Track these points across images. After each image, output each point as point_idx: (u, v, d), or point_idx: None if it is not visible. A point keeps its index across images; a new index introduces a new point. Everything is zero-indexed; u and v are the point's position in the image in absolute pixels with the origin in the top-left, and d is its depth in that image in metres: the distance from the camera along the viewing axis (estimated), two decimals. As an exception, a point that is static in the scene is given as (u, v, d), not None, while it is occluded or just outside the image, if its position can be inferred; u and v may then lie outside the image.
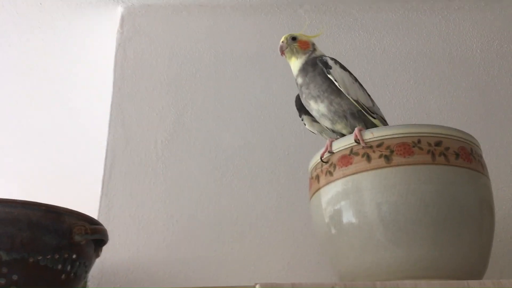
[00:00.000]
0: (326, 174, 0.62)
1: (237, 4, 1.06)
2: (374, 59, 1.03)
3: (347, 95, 0.65)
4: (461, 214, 0.56)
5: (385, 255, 0.55)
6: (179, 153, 0.94)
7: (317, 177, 0.64)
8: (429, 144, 0.57)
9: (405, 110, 0.98)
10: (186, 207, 0.89)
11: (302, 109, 0.73)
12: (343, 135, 0.66)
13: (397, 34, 1.05)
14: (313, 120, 0.72)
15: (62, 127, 1.00)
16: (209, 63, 1.02)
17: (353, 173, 0.59)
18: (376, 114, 0.66)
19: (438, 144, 0.58)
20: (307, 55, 0.70)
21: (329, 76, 0.66)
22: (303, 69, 0.68)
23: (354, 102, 0.65)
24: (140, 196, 0.90)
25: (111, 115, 0.96)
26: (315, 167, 0.65)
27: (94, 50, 1.06)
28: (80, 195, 0.88)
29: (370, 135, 0.59)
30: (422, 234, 0.55)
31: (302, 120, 0.74)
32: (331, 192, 0.61)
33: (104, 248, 0.85)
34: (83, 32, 1.07)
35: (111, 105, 0.97)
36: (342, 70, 0.67)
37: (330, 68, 0.66)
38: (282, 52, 0.71)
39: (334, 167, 0.61)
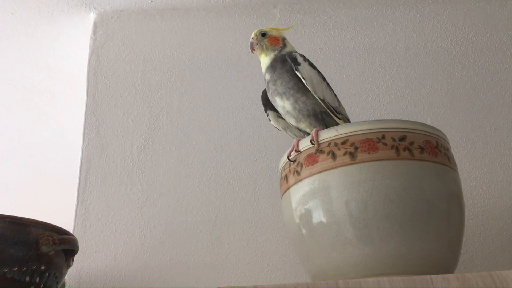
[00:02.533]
0: (294, 174, 0.62)
1: (211, 6, 1.06)
2: (349, 56, 1.03)
3: (313, 94, 0.64)
4: (428, 208, 0.55)
5: (353, 253, 0.55)
6: (155, 158, 0.93)
7: (286, 177, 0.63)
8: (393, 139, 0.57)
9: (381, 106, 0.98)
10: (163, 213, 0.89)
11: (267, 105, 0.72)
12: (307, 133, 0.66)
13: (372, 30, 1.05)
14: (279, 116, 0.72)
15: (35, 135, 0.99)
16: (184, 66, 1.01)
17: (319, 172, 0.58)
18: (341, 114, 0.66)
19: (402, 139, 0.57)
20: (277, 51, 0.69)
21: (297, 73, 0.65)
22: (271, 66, 0.68)
23: (320, 102, 0.64)
24: (117, 203, 0.89)
25: (85, 122, 0.95)
26: (284, 167, 0.64)
27: (67, 57, 1.05)
28: (55, 204, 0.87)
29: (335, 132, 0.59)
30: (389, 230, 0.54)
31: (267, 115, 0.73)
32: (299, 192, 0.60)
33: (81, 256, 0.85)
34: (56, 40, 1.06)
35: (85, 112, 0.96)
36: (310, 68, 0.67)
37: (299, 65, 0.65)
38: (253, 49, 0.70)
39: (301, 166, 0.60)
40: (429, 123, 0.61)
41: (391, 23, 1.05)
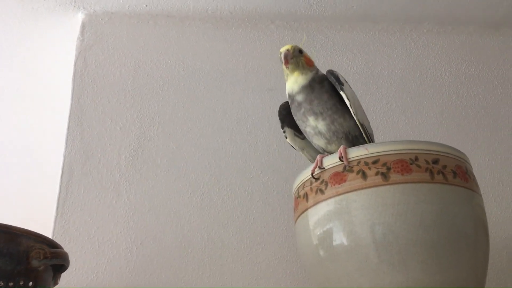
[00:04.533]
0: (316, 192, 0.58)
1: (207, 16, 1.02)
2: (346, 78, 1.01)
3: (354, 117, 0.61)
4: (460, 235, 0.53)
5: (384, 280, 0.52)
6: (145, 170, 0.87)
7: (305, 195, 0.60)
8: (427, 162, 0.55)
9: (378, 130, 0.97)
10: (151, 229, 0.82)
11: (285, 121, 0.69)
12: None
13: (369, 54, 1.04)
14: (296, 134, 0.68)
15: (14, 139, 0.91)
16: (178, 75, 0.97)
17: (348, 191, 0.55)
18: (373, 142, 0.63)
19: (435, 162, 0.55)
20: (314, 72, 0.65)
21: (341, 93, 0.61)
22: (310, 85, 0.63)
23: (359, 125, 0.62)
24: (101, 217, 0.82)
25: (68, 127, 0.88)
26: (303, 185, 0.61)
27: (52, 58, 0.98)
28: (32, 215, 0.79)
29: (365, 151, 0.56)
30: (423, 257, 0.51)
31: (284, 132, 0.69)
32: (321, 212, 0.57)
33: (59, 274, 0.77)
34: (39, 40, 0.98)
35: (69, 117, 0.89)
36: (352, 90, 0.64)
37: (342, 84, 0.62)
38: (287, 62, 0.64)
39: (326, 184, 0.57)
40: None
41: (388, 48, 1.05)
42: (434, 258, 0.51)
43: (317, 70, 0.66)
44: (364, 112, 0.65)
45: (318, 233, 0.57)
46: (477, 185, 0.59)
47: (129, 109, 0.92)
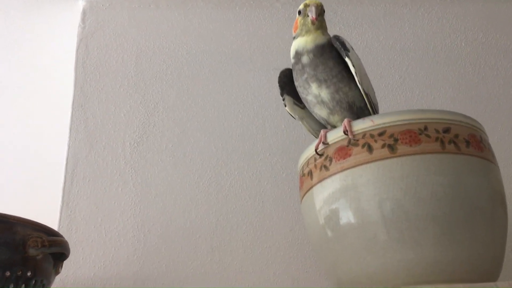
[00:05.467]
0: (320, 169, 0.55)
1: (210, -3, 0.99)
2: (357, 52, 0.97)
3: (359, 85, 0.58)
4: (475, 208, 0.49)
5: (394, 258, 0.48)
6: (150, 156, 0.85)
7: (310, 173, 0.57)
8: (437, 131, 0.51)
9: (391, 105, 0.93)
10: (158, 215, 0.81)
11: (285, 88, 0.65)
12: (333, 127, 0.59)
13: (379, 28, 1.00)
14: (295, 103, 0.65)
15: (17, 129, 0.90)
16: (181, 59, 0.94)
17: (353, 166, 0.52)
18: (378, 113, 0.60)
19: (446, 131, 0.51)
20: (328, 36, 0.61)
21: (346, 59, 0.58)
22: (322, 48, 0.59)
23: (364, 95, 0.58)
24: (107, 205, 0.81)
25: (72, 116, 0.87)
26: (307, 163, 0.58)
27: (53, 46, 0.97)
28: (38, 204, 0.78)
29: (370, 123, 0.53)
30: (435, 233, 0.48)
31: (284, 100, 0.66)
32: (327, 189, 0.54)
33: (66, 264, 0.75)
34: (41, 28, 0.97)
35: (73, 105, 0.87)
36: (358, 57, 0.60)
37: (348, 51, 0.58)
38: (316, 17, 0.60)
39: (330, 160, 0.54)
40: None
41: (399, 21, 1.00)
42: (447, 234, 0.48)
43: (328, 35, 0.62)
44: (369, 81, 0.62)
45: (324, 211, 0.54)
46: (493, 155, 0.55)
47: (132, 95, 0.90)
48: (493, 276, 0.52)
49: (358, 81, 0.57)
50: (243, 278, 0.77)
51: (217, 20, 0.98)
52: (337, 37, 0.60)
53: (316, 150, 0.56)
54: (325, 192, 0.54)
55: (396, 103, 0.93)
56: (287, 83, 0.65)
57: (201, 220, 0.81)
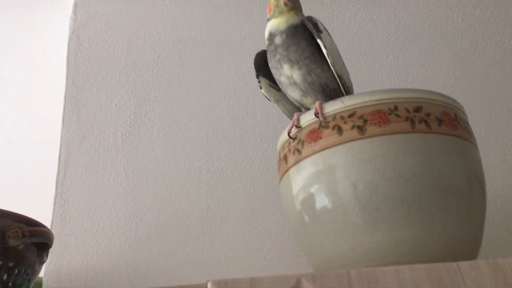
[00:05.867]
0: (294, 153, 0.55)
1: (200, -16, 0.99)
2: (349, 35, 0.96)
3: (332, 67, 0.57)
4: (448, 188, 0.48)
5: (363, 240, 0.48)
6: (142, 145, 0.86)
7: (285, 157, 0.56)
8: (407, 111, 0.50)
9: (385, 87, 0.91)
10: (150, 204, 0.81)
11: (261, 70, 0.65)
12: (306, 109, 0.59)
13: (373, 7, 0.98)
14: (271, 85, 0.64)
15: (10, 122, 0.91)
16: (172, 47, 0.94)
17: (323, 149, 0.51)
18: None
19: (417, 110, 0.50)
20: (302, 17, 0.61)
21: (318, 41, 0.57)
22: (295, 28, 0.59)
23: (337, 77, 0.57)
24: (99, 195, 0.82)
25: (65, 108, 0.88)
26: (283, 147, 0.57)
27: (45, 39, 0.98)
28: (31, 196, 0.80)
29: (341, 104, 0.52)
30: (404, 213, 0.47)
31: (259, 82, 0.66)
32: (301, 173, 0.53)
33: (60, 253, 0.77)
34: (32, 21, 0.98)
35: (65, 97, 0.88)
36: (331, 39, 0.60)
37: (321, 32, 0.58)
38: (288, 0, 0.60)
39: (303, 144, 0.53)
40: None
41: (393, -1, 0.98)
42: (417, 214, 0.47)
43: (303, 16, 0.61)
44: (343, 63, 0.61)
45: (300, 195, 0.54)
46: (470, 133, 0.53)
47: (123, 86, 0.90)
48: (470, 255, 0.51)
49: (330, 62, 0.57)
50: (234, 264, 0.77)
51: (207, 7, 0.98)
52: (310, 18, 0.59)
53: (288, 134, 0.55)
54: (299, 176, 0.54)
55: (390, 84, 0.91)
56: (262, 65, 0.64)
57: (192, 207, 0.81)
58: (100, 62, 0.92)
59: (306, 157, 0.53)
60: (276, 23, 0.60)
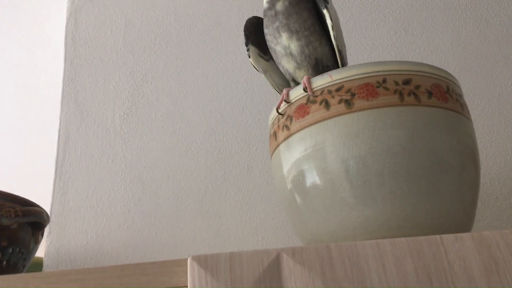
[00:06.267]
0: (282, 129, 0.54)
1: (197, -37, 0.97)
2: (349, 10, 0.94)
3: (333, 41, 0.55)
4: (438, 162, 0.47)
5: (351, 215, 0.47)
6: (140, 127, 0.86)
7: (275, 133, 0.56)
8: (396, 83, 0.49)
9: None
10: (148, 185, 0.82)
11: (250, 38, 0.62)
12: (296, 84, 0.58)
13: (374, -18, 0.95)
14: (260, 54, 0.63)
15: (9, 106, 0.92)
16: (170, 27, 0.93)
17: (311, 124, 0.50)
18: None
19: (406, 82, 0.49)
20: None
21: (324, 11, 0.55)
22: None
23: (337, 52, 0.56)
24: (98, 176, 0.82)
25: (63, 90, 0.88)
26: (273, 123, 0.57)
27: (43, 22, 0.98)
28: (31, 178, 0.80)
29: (329, 78, 0.51)
30: (392, 188, 0.46)
31: (248, 50, 0.63)
32: (289, 149, 0.52)
33: (60, 234, 0.78)
34: (30, 4, 0.98)
35: (63, 80, 0.89)
36: (335, 11, 0.57)
37: (328, 3, 0.55)
38: None
39: (291, 119, 0.53)
40: (437, 67, 0.53)
41: (395, -26, 0.95)
42: (405, 189, 0.46)
43: None
44: (343, 39, 0.59)
45: (289, 172, 0.53)
46: (462, 106, 0.52)
47: (121, 67, 0.90)
48: (461, 231, 0.50)
49: (334, 35, 0.55)
50: (232, 243, 0.77)
51: (205, -14, 0.97)
52: None
53: (277, 110, 0.54)
54: (288, 152, 0.53)
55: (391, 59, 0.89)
56: (253, 33, 0.62)
57: (190, 188, 0.81)
58: (97, 44, 0.92)
59: (294, 133, 0.52)
60: None
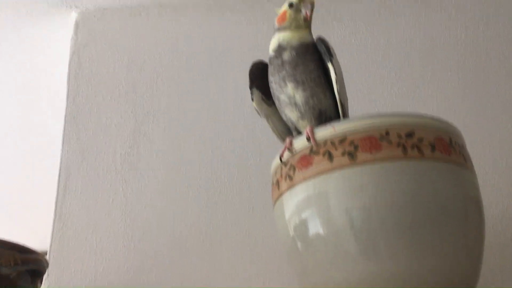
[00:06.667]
0: (285, 179, 0.54)
1: (200, 2, 0.99)
2: (350, 52, 0.95)
3: (337, 94, 0.56)
4: (442, 216, 0.47)
5: (355, 270, 0.47)
6: (141, 166, 0.85)
7: (278, 182, 0.56)
8: (399, 136, 0.49)
9: (387, 104, 0.90)
10: (148, 225, 0.81)
11: (255, 81, 0.62)
12: (298, 132, 0.58)
13: (374, 23, 0.97)
14: (263, 99, 0.62)
15: (11, 143, 0.92)
16: (172, 66, 0.94)
17: (315, 176, 0.50)
18: None
19: (409, 135, 0.49)
20: (312, 36, 0.59)
21: (329, 64, 0.56)
22: (306, 46, 0.57)
23: (339, 105, 0.56)
24: (98, 216, 0.82)
25: (65, 128, 0.88)
26: (275, 172, 0.57)
27: (47, 60, 0.99)
28: (31, 219, 0.80)
29: (331, 129, 0.51)
30: (397, 243, 0.46)
31: (252, 94, 0.62)
32: (292, 200, 0.52)
33: (58, 276, 0.77)
34: (34, 42, 0.99)
35: (65, 117, 0.89)
36: (339, 64, 0.58)
37: (332, 56, 0.56)
38: (311, 16, 0.58)
39: (294, 169, 0.53)
40: (440, 120, 0.53)
41: (394, 14, 0.97)
42: (409, 243, 0.46)
43: (317, 38, 0.59)
44: (346, 92, 0.59)
45: (292, 222, 0.53)
46: (466, 158, 0.52)
47: (123, 105, 0.90)
48: (468, 285, 0.49)
49: (337, 89, 0.55)
50: (235, 285, 0.76)
51: (207, 24, 0.98)
52: (322, 40, 0.58)
53: (280, 158, 0.54)
54: (291, 202, 0.53)
55: (391, 101, 0.90)
56: (258, 77, 0.62)
57: (191, 229, 0.80)
58: (100, 82, 0.92)
59: (298, 183, 0.52)
60: (288, 36, 0.58)
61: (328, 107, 0.57)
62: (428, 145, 0.49)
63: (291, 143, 0.54)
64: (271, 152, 0.85)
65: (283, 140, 0.63)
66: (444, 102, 0.89)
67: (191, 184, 0.84)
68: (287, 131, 0.63)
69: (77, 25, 0.97)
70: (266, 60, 0.61)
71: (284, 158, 0.54)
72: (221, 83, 0.92)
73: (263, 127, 0.86)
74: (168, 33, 0.97)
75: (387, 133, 0.49)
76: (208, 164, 0.85)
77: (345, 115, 0.57)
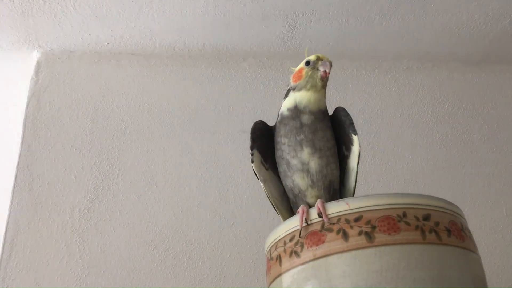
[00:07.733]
0: (290, 255, 0.50)
1: (175, 54, 0.96)
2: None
3: (355, 167, 0.54)
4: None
5: None
6: (101, 224, 0.78)
7: (279, 258, 0.51)
8: (417, 218, 0.47)
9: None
10: (108, 292, 0.73)
11: (257, 142, 0.57)
12: (304, 203, 0.54)
13: (346, 92, 0.98)
14: (262, 162, 0.57)
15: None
16: (141, 118, 0.89)
17: (327, 254, 0.47)
18: None
19: (426, 218, 0.48)
20: (325, 97, 0.57)
21: (354, 137, 0.54)
22: (323, 113, 0.54)
23: (354, 179, 0.55)
24: (49, 281, 0.72)
25: (16, 177, 0.79)
26: (276, 245, 0.52)
27: (2, 101, 0.89)
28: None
29: (346, 206, 0.48)
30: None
31: (252, 155, 0.57)
32: (298, 279, 0.48)
33: None
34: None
35: (18, 165, 0.80)
36: None
37: (355, 131, 0.54)
38: (328, 73, 0.55)
39: (302, 246, 0.49)
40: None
41: (367, 86, 0.99)
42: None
43: (337, 108, 0.58)
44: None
45: (295, 303, 0.48)
46: (474, 244, 0.51)
47: (86, 156, 0.83)
48: None
49: (357, 162, 0.54)
50: None
51: (181, 77, 0.94)
52: (344, 111, 0.56)
53: (300, 231, 0.50)
54: (296, 282, 0.49)
55: (363, 173, 0.90)
56: (259, 138, 0.57)
57: (155, 298, 0.73)
58: (61, 128, 0.85)
59: (307, 261, 0.48)
60: (306, 98, 0.55)
61: (336, 178, 0.55)
62: (444, 230, 0.47)
63: (308, 213, 0.50)
64: (244, 217, 0.82)
65: (276, 206, 0.59)
66: (412, 175, 0.91)
67: (158, 247, 0.77)
68: (281, 199, 0.59)
69: (38, 65, 0.90)
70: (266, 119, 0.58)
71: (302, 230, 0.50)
72: (193, 140, 0.88)
73: (236, 189, 0.83)
74: (139, 82, 0.92)
75: (404, 215, 0.47)
76: (177, 225, 0.80)
77: (355, 187, 0.55)
